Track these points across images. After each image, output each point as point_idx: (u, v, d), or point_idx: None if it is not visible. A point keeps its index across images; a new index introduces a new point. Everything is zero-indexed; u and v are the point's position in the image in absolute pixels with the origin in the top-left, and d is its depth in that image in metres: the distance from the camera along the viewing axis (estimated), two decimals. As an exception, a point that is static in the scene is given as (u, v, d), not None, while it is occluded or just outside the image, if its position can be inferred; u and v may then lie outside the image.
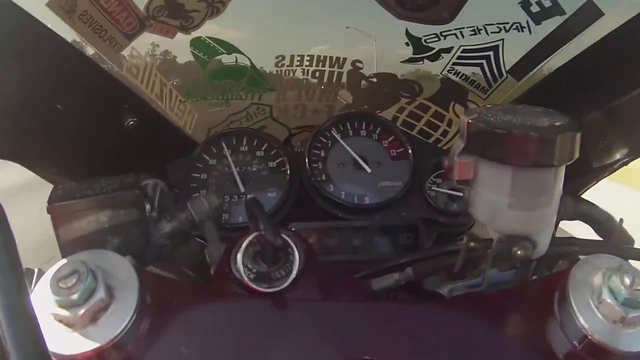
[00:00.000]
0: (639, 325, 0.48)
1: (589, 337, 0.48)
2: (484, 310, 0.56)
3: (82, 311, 0.43)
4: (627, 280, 0.48)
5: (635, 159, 0.87)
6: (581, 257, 0.60)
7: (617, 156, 0.88)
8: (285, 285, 0.53)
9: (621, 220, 0.86)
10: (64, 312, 0.43)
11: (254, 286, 0.52)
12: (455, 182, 0.61)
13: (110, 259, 0.49)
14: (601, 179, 0.97)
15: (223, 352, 0.49)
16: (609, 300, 0.48)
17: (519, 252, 0.60)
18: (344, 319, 0.53)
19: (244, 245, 0.54)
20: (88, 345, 0.43)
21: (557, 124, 0.57)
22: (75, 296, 0.43)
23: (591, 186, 0.97)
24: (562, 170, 0.59)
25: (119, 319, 0.45)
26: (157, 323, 0.48)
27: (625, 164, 0.89)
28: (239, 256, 0.53)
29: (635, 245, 0.82)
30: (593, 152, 0.93)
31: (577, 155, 0.56)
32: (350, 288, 0.65)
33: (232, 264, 0.55)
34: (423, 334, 0.53)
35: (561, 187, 0.61)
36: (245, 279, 0.53)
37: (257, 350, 0.49)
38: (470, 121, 0.58)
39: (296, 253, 0.55)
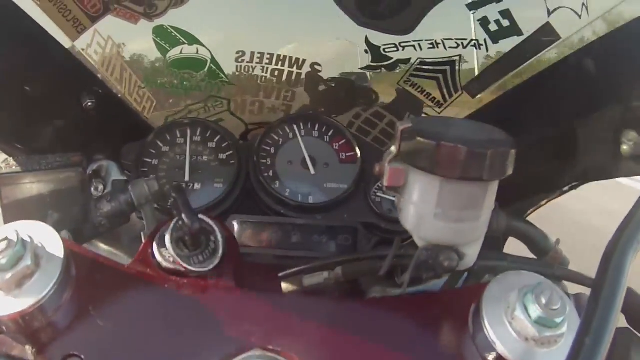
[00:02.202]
0: (552, 345, 0.51)
1: (499, 353, 0.51)
2: (397, 312, 0.61)
3: (8, 276, 0.50)
4: (543, 299, 0.50)
5: (584, 183, 0.93)
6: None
7: (567, 180, 0.95)
8: (203, 270, 0.59)
9: (557, 240, 0.93)
10: (-9, 276, 0.50)
11: (170, 268, 0.59)
12: (385, 188, 0.66)
13: (42, 230, 0.55)
14: (550, 201, 1.04)
15: (133, 329, 0.55)
16: (522, 317, 0.51)
17: (444, 263, 0.64)
18: (253, 308, 0.58)
19: (166, 228, 0.60)
20: (12, 307, 0.50)
21: (490, 138, 0.61)
22: (3, 261, 0.50)
23: (539, 207, 1.05)
24: (494, 185, 0.62)
25: (41, 287, 0.51)
26: (79, 295, 0.55)
27: (574, 187, 0.96)
28: (160, 239, 0.59)
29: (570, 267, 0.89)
30: (542, 174, 1.01)
31: (510, 172, 0.59)
32: (269, 281, 0.70)
33: (154, 246, 0.61)
34: (329, 328, 0.58)
35: (493, 202, 0.65)
36: (163, 261, 0.59)
37: (164, 332, 0.55)
38: (403, 129, 0.64)
39: (219, 241, 0.61)
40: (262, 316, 0.58)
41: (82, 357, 0.52)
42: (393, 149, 0.65)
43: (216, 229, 0.62)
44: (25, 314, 0.50)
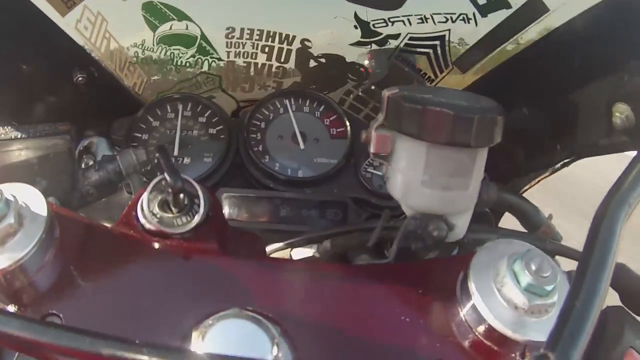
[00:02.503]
0: (542, 315, 0.49)
1: (487, 322, 0.50)
2: (383, 278, 0.59)
3: None
4: (533, 266, 0.49)
5: (576, 160, 0.92)
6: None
7: (559, 156, 0.94)
8: (185, 232, 0.59)
9: (550, 215, 0.93)
10: (-26, 232, 0.50)
11: (153, 230, 0.59)
12: (372, 155, 0.66)
13: (28, 192, 0.55)
14: (543, 179, 1.04)
15: (113, 289, 0.55)
16: (511, 285, 0.49)
17: (433, 232, 0.64)
18: (234, 270, 0.58)
19: (149, 188, 0.60)
20: None
21: (478, 105, 0.61)
22: None
23: (532, 185, 1.04)
24: (482, 153, 0.62)
25: (23, 245, 0.51)
26: (61, 256, 0.55)
27: (567, 164, 0.96)
28: (143, 200, 0.59)
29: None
30: (534, 151, 1.01)
31: (498, 139, 0.60)
32: (253, 248, 0.70)
33: (137, 208, 0.60)
34: (311, 292, 0.58)
35: (482, 171, 0.65)
36: (146, 223, 0.59)
37: (144, 293, 0.55)
38: (390, 95, 0.64)
39: (202, 203, 0.60)
40: (243, 279, 0.58)
41: (61, 315, 0.52)
42: (380, 116, 0.65)
43: (200, 190, 0.62)
44: (6, 272, 0.51)
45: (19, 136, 0.71)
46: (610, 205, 0.46)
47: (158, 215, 0.59)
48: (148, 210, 0.59)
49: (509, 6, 0.86)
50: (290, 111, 0.96)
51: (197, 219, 0.59)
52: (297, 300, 0.57)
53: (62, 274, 0.55)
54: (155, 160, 0.63)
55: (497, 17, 0.88)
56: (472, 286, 0.52)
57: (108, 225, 0.89)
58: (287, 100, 0.96)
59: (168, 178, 0.57)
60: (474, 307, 0.51)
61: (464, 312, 0.53)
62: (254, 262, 0.62)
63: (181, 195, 0.59)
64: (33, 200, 0.55)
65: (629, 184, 0.48)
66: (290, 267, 0.64)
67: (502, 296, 0.50)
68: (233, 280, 0.58)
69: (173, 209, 0.59)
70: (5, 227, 0.51)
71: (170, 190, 0.57)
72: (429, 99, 0.60)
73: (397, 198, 0.67)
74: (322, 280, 0.59)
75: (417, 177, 0.62)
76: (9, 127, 0.73)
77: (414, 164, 0.61)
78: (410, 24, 0.90)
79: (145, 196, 0.60)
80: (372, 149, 0.65)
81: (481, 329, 0.51)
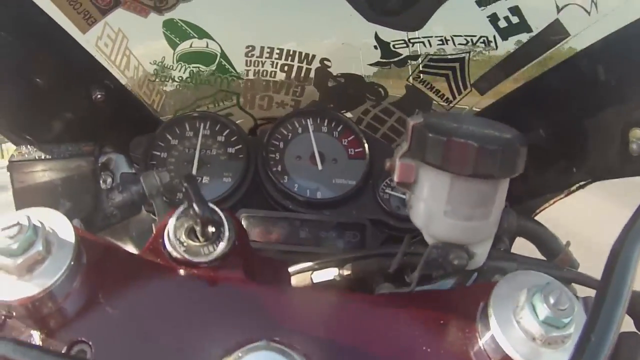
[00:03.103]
0: (559, 346, 0.50)
1: (505, 352, 0.50)
2: (405, 308, 0.60)
3: (19, 261, 0.49)
4: (552, 299, 0.49)
5: (592, 182, 0.93)
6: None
7: (575, 178, 0.94)
8: (211, 260, 0.59)
9: (568, 243, 0.93)
10: (4, 260, 0.50)
11: (180, 258, 0.58)
12: (396, 184, 0.66)
13: (54, 217, 0.55)
14: (558, 200, 1.04)
15: (141, 317, 0.55)
16: (529, 317, 0.50)
17: (454, 261, 0.64)
18: (262, 300, 0.58)
19: (174, 217, 0.59)
20: (23, 292, 0.49)
21: (502, 136, 0.60)
22: (14, 246, 0.49)
23: (547, 206, 1.04)
24: (504, 183, 0.61)
25: (52, 273, 0.51)
26: (89, 282, 0.54)
27: (583, 187, 0.96)
28: (170, 228, 0.59)
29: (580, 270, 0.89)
30: (550, 173, 1.01)
31: (521, 170, 0.59)
32: (279, 275, 0.70)
33: (164, 236, 0.60)
34: (336, 323, 0.57)
35: (503, 201, 0.64)
36: (173, 251, 0.58)
37: (171, 321, 0.55)
38: (414, 124, 0.63)
39: (228, 231, 0.60)
40: (270, 308, 0.58)
41: (90, 343, 0.52)
42: (404, 144, 0.65)
43: (225, 220, 0.61)
44: (35, 300, 0.50)
45: (42, 157, 0.71)
46: (628, 237, 0.46)
47: (185, 244, 0.59)
48: (175, 238, 0.59)
49: (530, 30, 0.87)
50: (311, 131, 0.95)
51: (222, 247, 0.59)
52: (324, 331, 0.56)
53: (89, 300, 0.54)
54: (183, 189, 0.62)
55: (518, 40, 0.88)
56: (492, 317, 0.52)
57: (134, 250, 0.90)
58: (306, 120, 0.96)
59: (197, 209, 0.57)
60: (492, 337, 0.52)
61: (482, 341, 0.54)
62: (280, 291, 0.62)
63: (209, 226, 0.58)
64: (60, 225, 0.55)
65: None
66: (316, 297, 0.64)
67: (520, 327, 0.51)
68: (260, 309, 0.57)
69: (200, 238, 0.59)
70: (34, 254, 0.50)
71: (198, 220, 0.57)
72: (454, 128, 0.60)
73: (419, 227, 0.66)
74: (347, 311, 0.59)
75: (439, 207, 0.61)
76: (32, 147, 0.73)
77: (437, 195, 0.61)
78: (430, 45, 0.91)
79: (171, 224, 0.60)
80: (396, 178, 0.64)
81: (499, 359, 0.52)
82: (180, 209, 0.60)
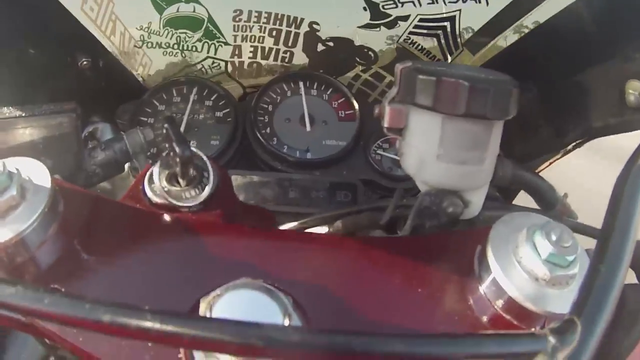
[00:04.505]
0: (564, 287, 0.47)
1: (508, 294, 0.48)
2: (398, 251, 0.57)
3: None
4: (554, 236, 0.47)
5: (588, 140, 0.90)
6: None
7: (571, 137, 0.92)
8: (193, 205, 0.57)
9: (565, 194, 0.90)
10: (-23, 204, 0.48)
11: (160, 203, 0.57)
12: (386, 130, 0.64)
13: (31, 165, 0.53)
14: (554, 161, 1.01)
15: (117, 262, 0.53)
16: (531, 256, 0.47)
17: (448, 209, 0.62)
18: (243, 242, 0.56)
19: (157, 164, 0.58)
20: None
21: (493, 78, 0.59)
22: None
23: (544, 167, 1.02)
24: (498, 126, 0.61)
25: (25, 218, 0.49)
26: (65, 230, 0.53)
27: (579, 145, 0.93)
28: (150, 175, 0.57)
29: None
30: (546, 132, 0.98)
31: (513, 112, 0.58)
32: (261, 221, 0.68)
33: (144, 182, 0.59)
34: (323, 263, 0.55)
35: (497, 146, 0.63)
36: (153, 196, 0.57)
37: (149, 266, 0.53)
38: (403, 68, 0.61)
39: (210, 176, 0.58)
40: (255, 250, 0.56)
41: (64, 290, 0.49)
42: (393, 89, 0.63)
43: (208, 163, 0.59)
44: (7, 246, 0.49)
45: (23, 115, 0.68)
46: (632, 173, 0.44)
47: (166, 189, 0.57)
48: (157, 182, 0.57)
49: (520, -14, 0.84)
50: (303, 92, 0.93)
51: (206, 191, 0.57)
52: (309, 272, 0.54)
53: (65, 248, 0.53)
54: (164, 130, 0.60)
55: (507, -3, 0.85)
56: (491, 259, 0.49)
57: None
58: (296, 83, 0.94)
59: (176, 148, 0.55)
60: (494, 280, 0.49)
61: (483, 286, 0.51)
62: (264, 233, 0.60)
63: (190, 168, 0.56)
64: (37, 173, 0.53)
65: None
66: (302, 238, 0.62)
67: (522, 268, 0.48)
68: (243, 252, 0.55)
69: (181, 181, 0.57)
70: (7, 199, 0.49)
71: (178, 160, 0.55)
72: (444, 71, 0.58)
73: (411, 174, 0.65)
74: (334, 252, 0.57)
75: (432, 151, 0.60)
76: (13, 107, 0.70)
77: (429, 138, 0.59)
78: (420, 4, 0.88)
79: (153, 170, 0.58)
80: (385, 123, 0.63)
81: (501, 302, 0.49)
82: (163, 154, 0.58)
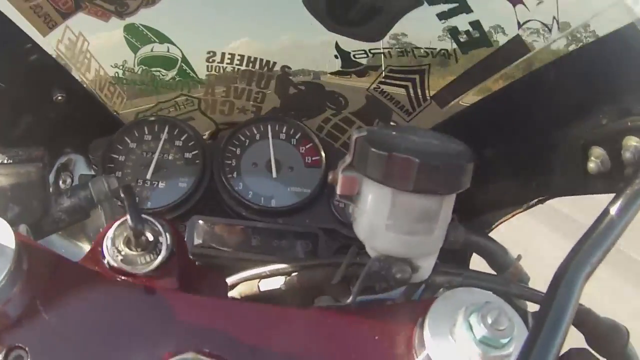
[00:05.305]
0: None
1: None
2: (342, 323, 0.58)
3: None
4: (489, 319, 0.48)
5: (552, 198, 0.92)
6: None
7: (535, 194, 0.93)
8: (147, 271, 0.58)
9: (519, 256, 0.92)
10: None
11: (117, 267, 0.58)
12: (338, 196, 0.65)
13: None
14: (517, 214, 1.02)
15: (76, 325, 0.55)
16: (466, 336, 0.48)
17: (396, 275, 0.63)
18: (193, 311, 0.58)
19: (113, 227, 0.59)
20: None
21: (448, 151, 0.60)
22: None
23: (505, 220, 1.03)
24: (450, 198, 0.61)
25: None
26: (29, 289, 0.54)
27: (542, 201, 0.94)
28: (109, 236, 0.59)
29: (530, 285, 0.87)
30: (509, 188, 0.99)
31: (465, 186, 0.58)
32: (217, 286, 0.70)
33: (104, 244, 0.60)
34: (265, 335, 0.57)
35: (449, 215, 0.64)
36: (111, 260, 0.58)
37: (105, 330, 0.55)
38: (357, 137, 0.62)
39: (165, 242, 0.60)
40: (202, 320, 0.57)
41: (27, 349, 0.52)
42: (347, 157, 0.64)
43: (162, 230, 0.61)
44: None
45: (-7, 162, 0.70)
46: (571, 265, 0.46)
47: (123, 253, 0.59)
48: (112, 247, 0.59)
49: (490, 44, 0.85)
50: (270, 137, 0.94)
51: (159, 258, 0.59)
52: (254, 343, 0.56)
53: (28, 307, 0.54)
54: (122, 195, 0.62)
55: (478, 54, 0.87)
56: (427, 335, 0.51)
57: (83, 245, 0.90)
58: (265, 127, 0.95)
59: (129, 222, 0.57)
60: (428, 357, 0.51)
61: (418, 359, 0.52)
62: (214, 302, 0.61)
63: (142, 238, 0.58)
64: (1, 231, 0.54)
65: (589, 245, 0.48)
66: (249, 309, 0.63)
67: (457, 347, 0.49)
68: (192, 320, 0.57)
69: (135, 248, 0.59)
70: None
71: (131, 231, 0.57)
72: (396, 143, 0.58)
73: (361, 239, 0.66)
74: (279, 324, 0.59)
75: (381, 221, 0.60)
76: (-19, 153, 0.72)
77: (379, 208, 0.60)
78: (391, 56, 0.89)
79: (110, 232, 0.60)
80: (338, 191, 0.64)
81: None
82: (119, 221, 0.60)
